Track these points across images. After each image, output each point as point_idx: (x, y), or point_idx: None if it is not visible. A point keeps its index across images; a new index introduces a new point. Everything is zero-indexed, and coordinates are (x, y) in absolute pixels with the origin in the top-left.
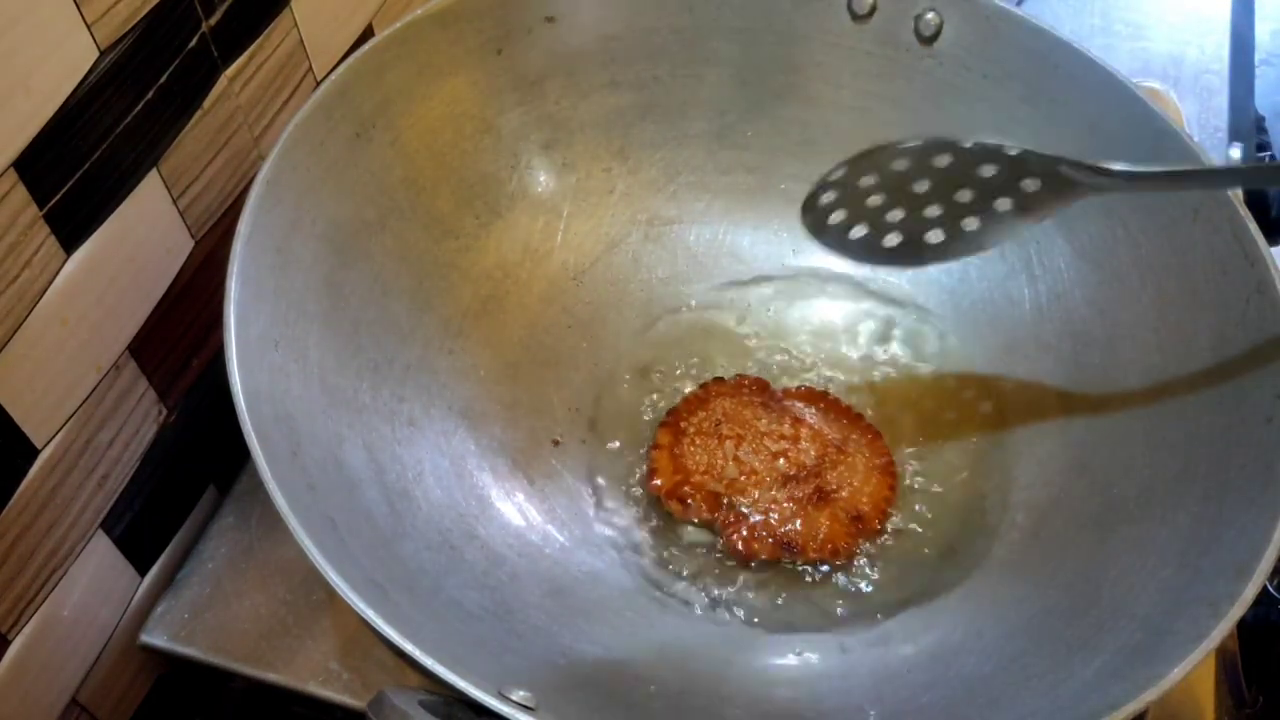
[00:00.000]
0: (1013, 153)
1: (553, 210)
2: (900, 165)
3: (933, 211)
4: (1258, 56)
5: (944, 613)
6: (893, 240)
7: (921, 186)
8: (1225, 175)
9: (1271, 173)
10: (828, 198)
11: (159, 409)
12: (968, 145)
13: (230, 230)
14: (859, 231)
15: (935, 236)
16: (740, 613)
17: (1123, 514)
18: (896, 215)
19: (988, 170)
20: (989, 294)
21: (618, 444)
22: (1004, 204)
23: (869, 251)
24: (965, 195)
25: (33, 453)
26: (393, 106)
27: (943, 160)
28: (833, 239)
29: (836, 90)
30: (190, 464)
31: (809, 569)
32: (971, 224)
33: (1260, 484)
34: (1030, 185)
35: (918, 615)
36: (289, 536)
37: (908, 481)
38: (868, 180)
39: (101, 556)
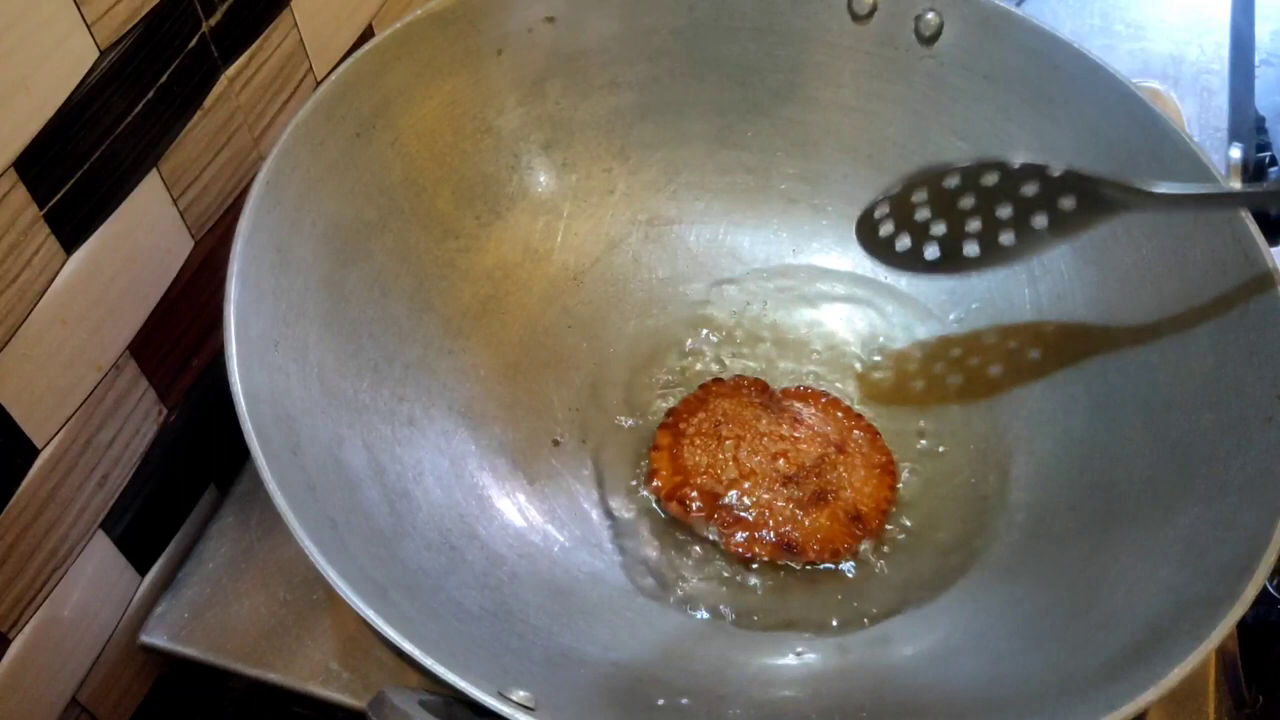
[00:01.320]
0: (1055, 173)
1: (553, 210)
2: (951, 182)
3: (973, 226)
4: (1258, 56)
5: (944, 613)
6: (933, 252)
7: (967, 202)
8: (1268, 196)
9: None
10: (881, 211)
11: (159, 409)
12: (1015, 165)
13: (230, 230)
14: (904, 243)
15: (972, 250)
16: (740, 613)
17: (1123, 514)
18: (940, 229)
19: (1030, 189)
20: (989, 294)
21: (618, 445)
22: (1040, 220)
23: (912, 262)
24: (1005, 211)
25: (33, 453)
26: (393, 106)
27: (990, 178)
28: (880, 250)
29: (836, 90)
30: (190, 464)
31: (809, 569)
32: (1008, 238)
33: (1260, 484)
34: (1066, 203)
35: (918, 615)
36: (289, 536)
37: (907, 481)
38: (919, 195)
39: (101, 556)
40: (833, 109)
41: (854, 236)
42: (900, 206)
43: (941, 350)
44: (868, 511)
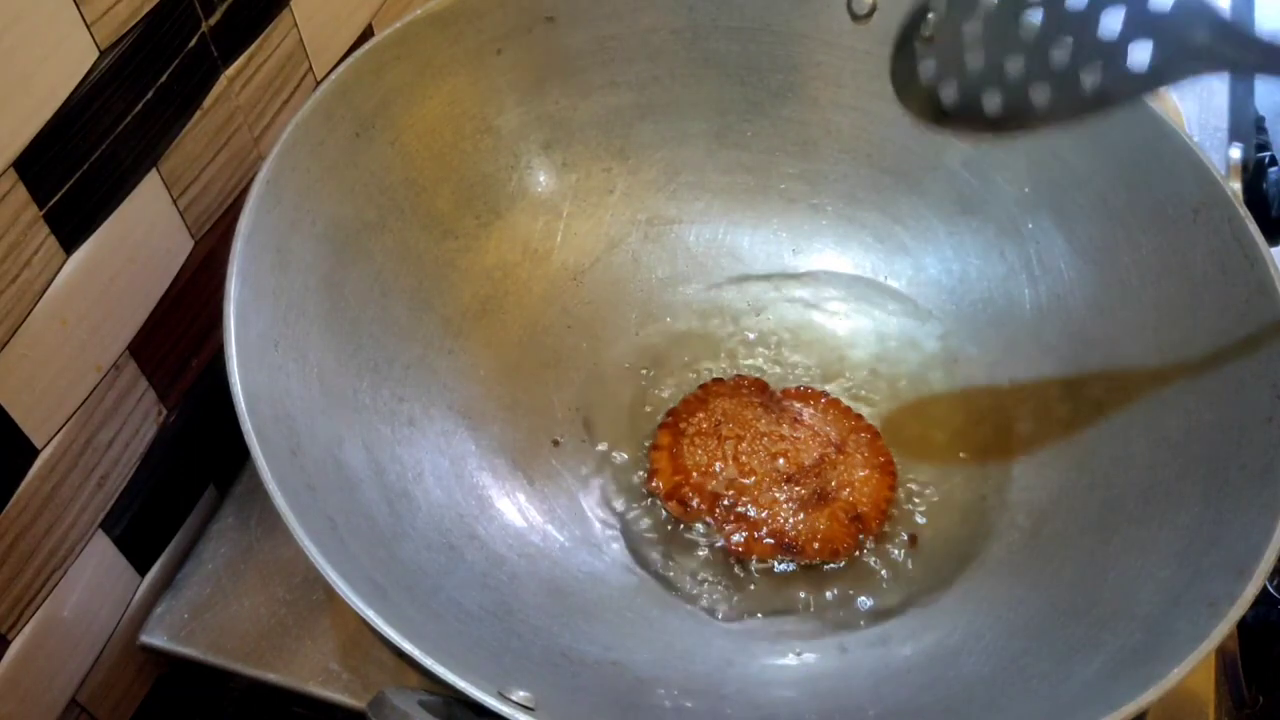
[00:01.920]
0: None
1: (553, 210)
2: None
3: (1014, 66)
4: None
5: (943, 613)
6: (994, 103)
7: (1029, 33)
8: None
9: None
10: (923, 43)
11: (159, 409)
12: None
13: (230, 230)
14: (950, 94)
15: (1042, 95)
16: (740, 613)
17: (1123, 514)
18: (1003, 65)
19: (1112, 19)
20: (989, 295)
21: (618, 444)
22: (1091, 78)
23: (965, 118)
24: (1061, 56)
25: (33, 453)
26: (393, 106)
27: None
28: (920, 102)
29: (836, 90)
30: (190, 464)
31: (809, 569)
32: (1091, 78)
33: (1260, 484)
34: (1139, 54)
35: (918, 615)
36: (289, 536)
37: (907, 481)
38: (972, 24)
39: (101, 556)
40: (833, 109)
41: (854, 235)
42: (949, 33)
43: (941, 349)
44: (867, 511)
